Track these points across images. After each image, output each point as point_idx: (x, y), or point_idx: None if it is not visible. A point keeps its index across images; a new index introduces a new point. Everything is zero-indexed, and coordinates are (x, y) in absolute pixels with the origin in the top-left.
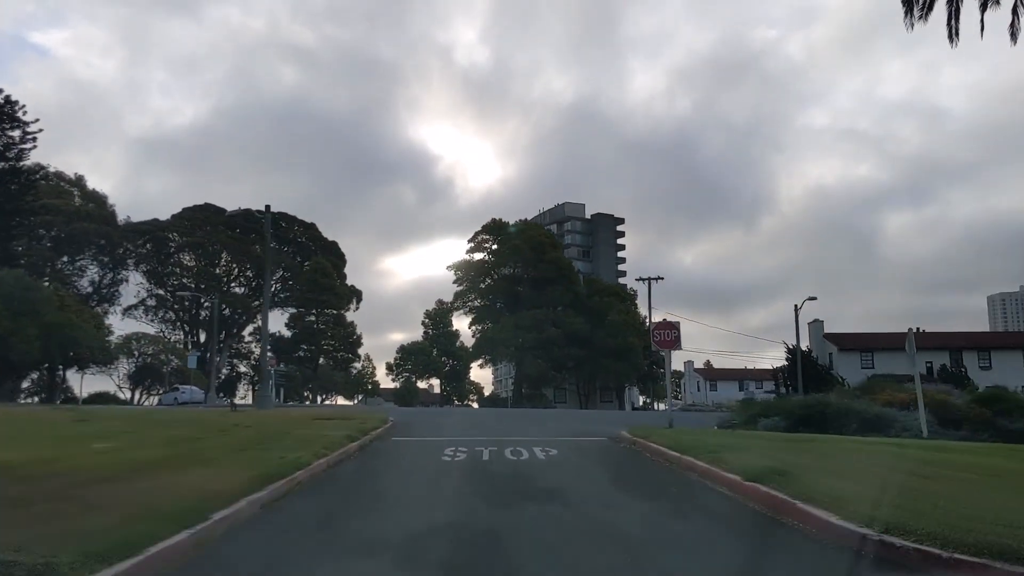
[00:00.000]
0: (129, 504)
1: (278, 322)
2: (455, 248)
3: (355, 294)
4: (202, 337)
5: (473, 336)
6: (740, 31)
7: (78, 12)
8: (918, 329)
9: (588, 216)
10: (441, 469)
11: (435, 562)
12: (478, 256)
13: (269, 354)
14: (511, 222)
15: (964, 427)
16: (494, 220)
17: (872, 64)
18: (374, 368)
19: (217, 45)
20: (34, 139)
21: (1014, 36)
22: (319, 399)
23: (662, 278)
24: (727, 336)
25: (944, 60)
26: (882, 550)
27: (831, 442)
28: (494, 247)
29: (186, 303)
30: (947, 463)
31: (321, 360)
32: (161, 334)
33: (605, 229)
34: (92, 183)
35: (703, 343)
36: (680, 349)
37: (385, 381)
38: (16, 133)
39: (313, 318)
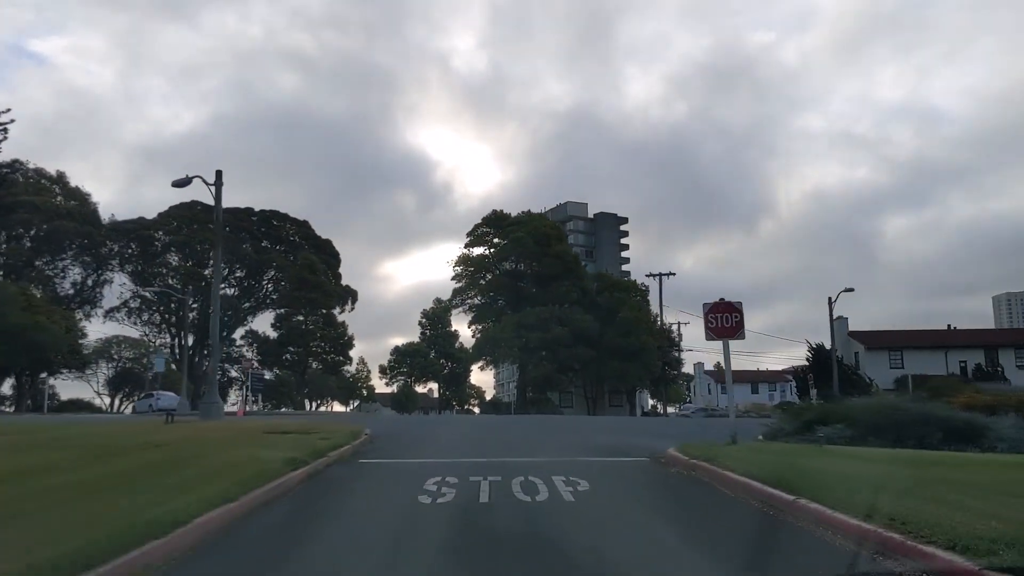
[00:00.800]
0: None
1: (266, 324)
2: (455, 252)
3: (350, 294)
4: (190, 340)
5: (473, 336)
6: (735, 37)
7: (77, 20)
8: (949, 327)
9: (591, 215)
10: (412, 523)
11: None
12: (478, 251)
13: (251, 356)
14: (513, 214)
15: None
16: (495, 212)
17: (867, 68)
18: (369, 372)
19: (215, 52)
20: (5, 131)
21: None
22: (313, 406)
23: (673, 274)
24: (752, 335)
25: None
26: None
27: (994, 466)
28: (495, 240)
29: (172, 305)
30: None
31: (311, 363)
32: (145, 337)
33: (608, 229)
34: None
35: (710, 343)
36: (743, 338)
37: (382, 386)
38: None
39: (301, 318)
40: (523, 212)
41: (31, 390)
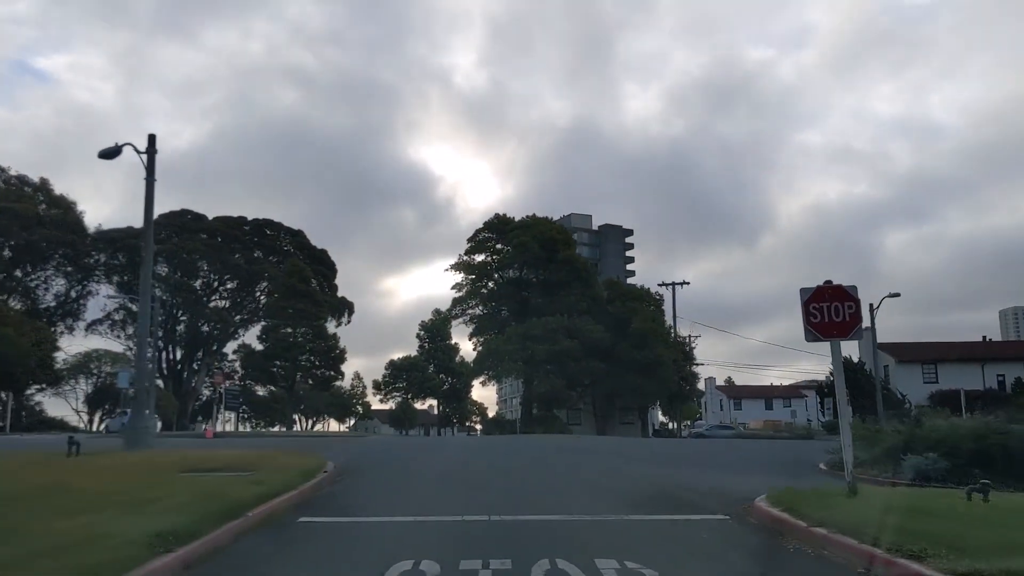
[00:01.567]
0: None
1: (253, 336)
2: (455, 259)
3: (346, 306)
4: (178, 355)
5: (474, 350)
6: (733, 54)
7: (79, 37)
8: (985, 338)
9: (595, 227)
10: None
11: None
12: (480, 257)
13: (226, 370)
14: (516, 218)
15: None
16: (498, 216)
17: (864, 84)
18: (365, 388)
19: (216, 69)
20: None
21: None
22: (308, 424)
23: (687, 283)
24: (749, 352)
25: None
26: None
27: None
28: (498, 246)
29: (159, 317)
30: None
31: (299, 378)
32: (129, 351)
33: (613, 241)
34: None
35: (718, 356)
36: (859, 338)
37: (378, 403)
38: None
39: (289, 329)
40: (528, 216)
41: (16, 407)
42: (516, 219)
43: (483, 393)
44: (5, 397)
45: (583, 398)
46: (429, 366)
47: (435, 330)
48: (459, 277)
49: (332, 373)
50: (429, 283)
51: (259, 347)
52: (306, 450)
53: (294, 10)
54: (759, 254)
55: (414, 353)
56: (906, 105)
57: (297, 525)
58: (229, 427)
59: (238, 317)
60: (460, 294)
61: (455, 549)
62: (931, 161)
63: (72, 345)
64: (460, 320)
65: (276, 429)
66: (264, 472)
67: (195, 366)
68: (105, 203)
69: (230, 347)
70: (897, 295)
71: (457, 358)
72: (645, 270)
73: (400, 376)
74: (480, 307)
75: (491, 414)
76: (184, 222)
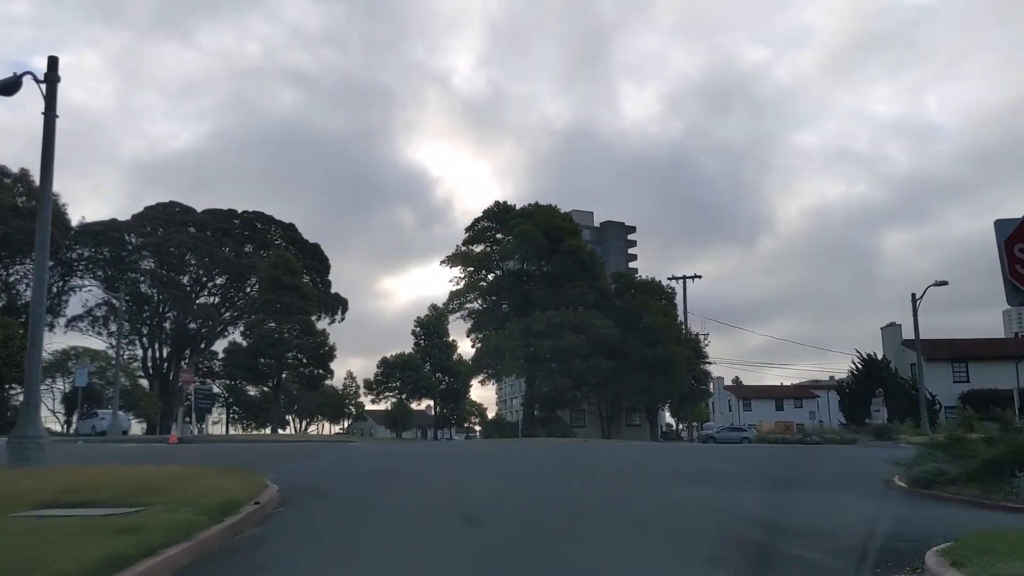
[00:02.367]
0: None
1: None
2: (451, 250)
3: (339, 303)
4: (164, 353)
5: (473, 347)
6: (731, 55)
7: (77, 37)
8: (1017, 335)
9: (597, 224)
10: None
11: None
12: (479, 248)
13: (190, 371)
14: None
15: None
16: (498, 204)
17: (862, 86)
18: (358, 388)
19: (213, 70)
20: None
21: None
22: (301, 426)
23: (699, 276)
24: (749, 352)
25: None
26: None
27: None
28: (498, 236)
29: (144, 313)
30: None
31: (285, 376)
32: (111, 349)
33: (615, 238)
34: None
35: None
36: None
37: (371, 403)
38: None
39: (274, 324)
40: (530, 204)
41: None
42: (517, 207)
43: (482, 393)
44: None
45: (588, 398)
46: (425, 364)
47: (431, 326)
48: (456, 270)
49: (321, 372)
50: (428, 284)
51: (244, 343)
52: (254, 464)
53: (292, 11)
54: (758, 254)
55: (408, 350)
56: (905, 107)
57: None
58: (219, 429)
59: (227, 314)
60: (458, 287)
61: None
62: (929, 162)
63: (52, 343)
64: (457, 315)
65: (262, 432)
66: (160, 507)
67: (183, 365)
68: (104, 204)
69: (220, 345)
70: (944, 283)
71: (455, 356)
72: (647, 270)
73: (393, 375)
74: (479, 301)
75: (491, 415)
76: (171, 214)
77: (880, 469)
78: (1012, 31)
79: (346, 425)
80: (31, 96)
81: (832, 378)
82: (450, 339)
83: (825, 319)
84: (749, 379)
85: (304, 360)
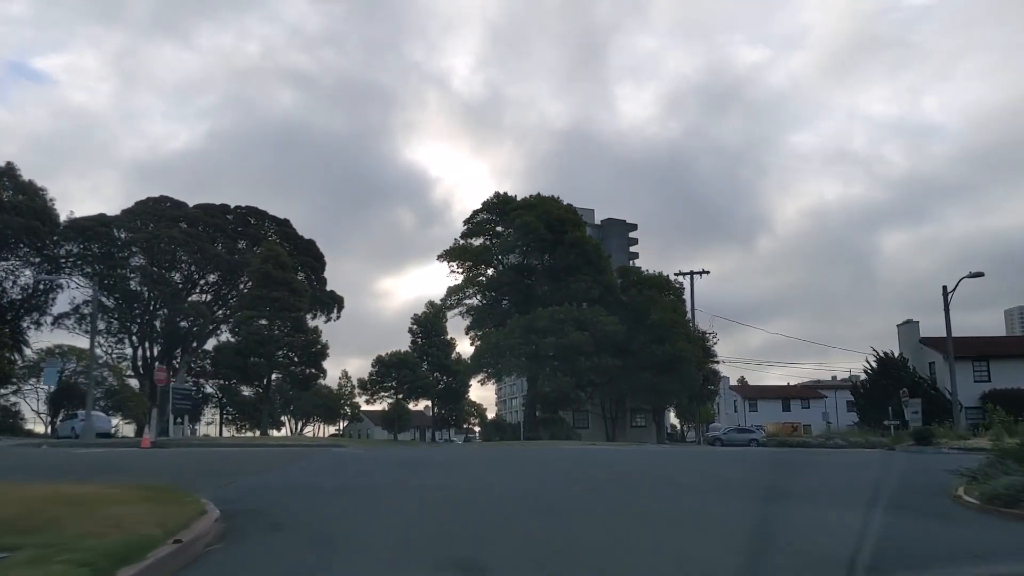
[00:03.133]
0: None
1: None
2: (449, 243)
3: (335, 301)
4: (155, 351)
5: (472, 344)
6: (728, 56)
7: (76, 38)
8: None
9: (598, 222)
10: None
11: None
12: (478, 241)
13: (164, 369)
14: (519, 197)
15: None
16: (498, 195)
17: (860, 86)
18: (354, 388)
19: (212, 70)
20: None
21: None
22: (297, 427)
23: (707, 272)
24: (751, 352)
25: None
26: None
27: None
28: (498, 229)
29: (135, 311)
30: None
31: (275, 376)
32: (99, 347)
33: (617, 236)
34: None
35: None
36: None
37: (365, 404)
38: None
39: (264, 322)
40: (532, 195)
41: None
42: (518, 198)
43: (482, 393)
44: None
45: (591, 399)
46: (422, 363)
47: (428, 324)
48: (454, 265)
49: (313, 371)
50: (426, 285)
51: (233, 341)
52: (210, 476)
53: (291, 11)
54: (756, 255)
55: (405, 349)
56: (902, 107)
57: None
58: (212, 431)
59: (220, 312)
60: (456, 282)
61: None
62: (927, 163)
63: (38, 341)
64: (456, 312)
65: (253, 434)
66: (28, 552)
67: (175, 364)
68: (103, 204)
69: (211, 344)
70: (980, 275)
71: (453, 355)
72: (649, 269)
73: (389, 374)
74: (478, 297)
75: (490, 415)
76: (162, 210)
77: (934, 480)
78: (1011, 31)
79: (342, 426)
80: (28, 97)
81: (834, 378)
82: (448, 337)
83: (825, 319)
84: (752, 379)
85: (295, 359)
